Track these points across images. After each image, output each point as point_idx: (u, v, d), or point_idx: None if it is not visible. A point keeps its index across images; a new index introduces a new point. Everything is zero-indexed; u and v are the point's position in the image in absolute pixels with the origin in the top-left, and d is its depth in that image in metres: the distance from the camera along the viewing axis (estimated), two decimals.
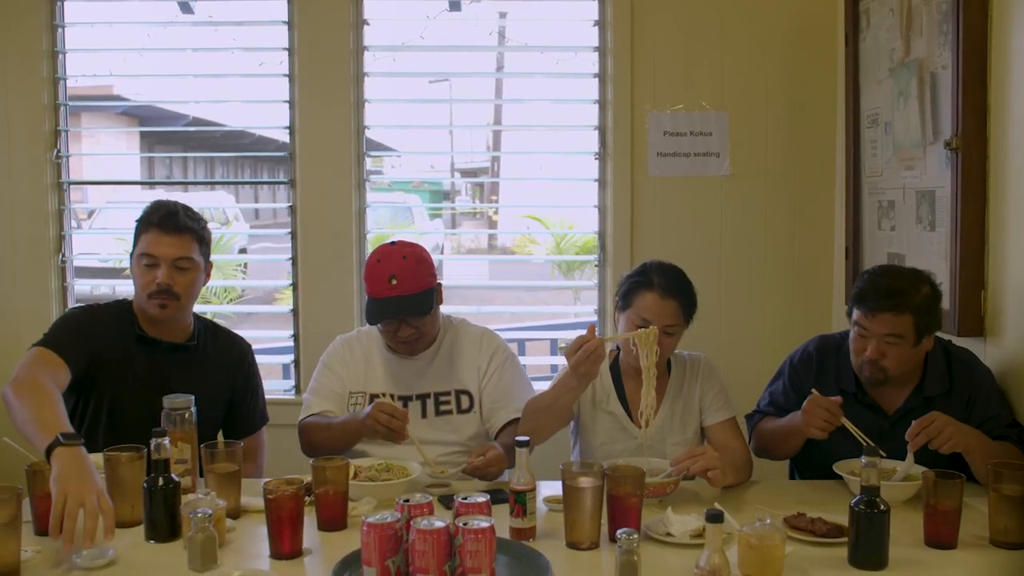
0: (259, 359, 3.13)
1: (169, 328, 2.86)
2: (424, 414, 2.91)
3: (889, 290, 2.57)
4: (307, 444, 2.87)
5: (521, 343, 5.78)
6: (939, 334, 2.79)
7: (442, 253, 7.75)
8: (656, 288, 2.70)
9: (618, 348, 2.89)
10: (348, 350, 3.00)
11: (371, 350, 2.98)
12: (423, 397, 2.93)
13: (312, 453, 2.83)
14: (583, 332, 2.52)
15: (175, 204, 2.83)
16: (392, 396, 2.88)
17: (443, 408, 2.93)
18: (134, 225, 2.83)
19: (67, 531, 1.99)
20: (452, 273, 11.44)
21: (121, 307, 2.89)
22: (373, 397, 2.88)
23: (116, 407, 2.75)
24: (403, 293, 2.77)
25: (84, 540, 2.01)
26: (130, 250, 2.85)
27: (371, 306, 2.82)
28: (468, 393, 2.94)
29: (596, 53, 4.02)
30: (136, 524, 2.28)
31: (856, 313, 2.64)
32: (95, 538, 2.03)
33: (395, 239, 2.96)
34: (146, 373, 2.81)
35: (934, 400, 2.66)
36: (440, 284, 2.91)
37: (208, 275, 2.91)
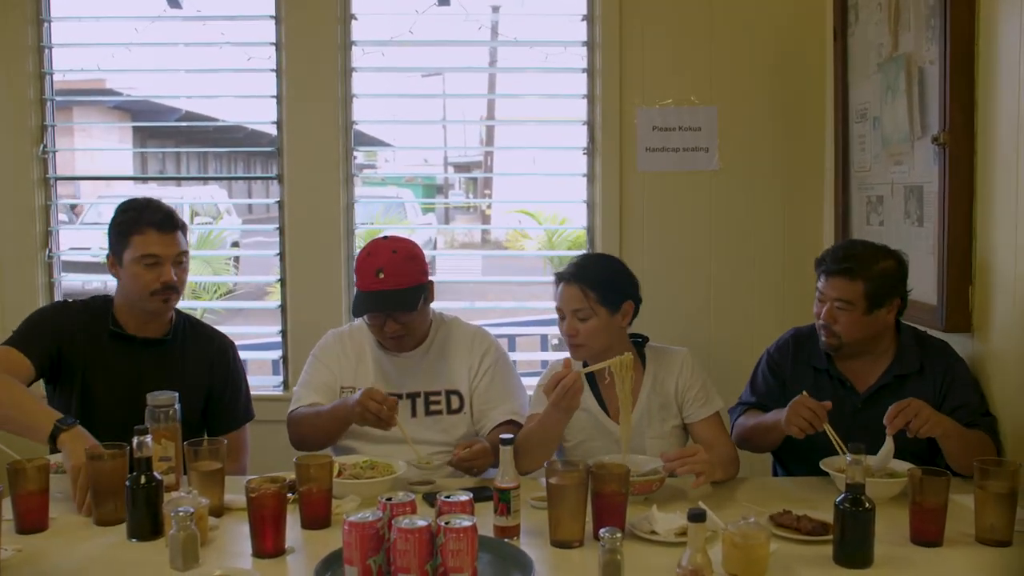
0: (247, 355, 3.14)
1: (151, 323, 2.89)
2: (414, 413, 2.90)
3: (845, 256, 2.68)
4: (296, 435, 2.87)
5: (512, 338, 5.79)
6: (916, 326, 2.84)
7: (435, 248, 7.77)
8: (564, 277, 2.78)
9: None
10: (339, 345, 2.99)
11: (363, 346, 2.96)
12: (413, 396, 2.91)
13: (300, 445, 2.84)
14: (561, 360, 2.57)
15: (161, 203, 2.87)
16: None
17: (433, 408, 2.91)
18: (115, 226, 2.84)
19: (79, 504, 2.36)
20: (444, 267, 11.45)
21: (96, 303, 2.93)
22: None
23: (88, 401, 2.78)
24: (389, 288, 2.76)
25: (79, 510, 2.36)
26: (109, 250, 2.86)
27: (358, 299, 2.81)
28: (458, 393, 2.93)
29: (585, 48, 4.01)
30: (119, 522, 2.27)
31: (818, 277, 2.74)
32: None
33: (389, 234, 2.94)
34: (120, 368, 2.84)
35: (907, 379, 2.71)
36: (431, 282, 2.89)
37: None
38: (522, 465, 2.58)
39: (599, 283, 2.75)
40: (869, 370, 2.77)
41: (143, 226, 2.79)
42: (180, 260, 2.84)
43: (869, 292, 2.63)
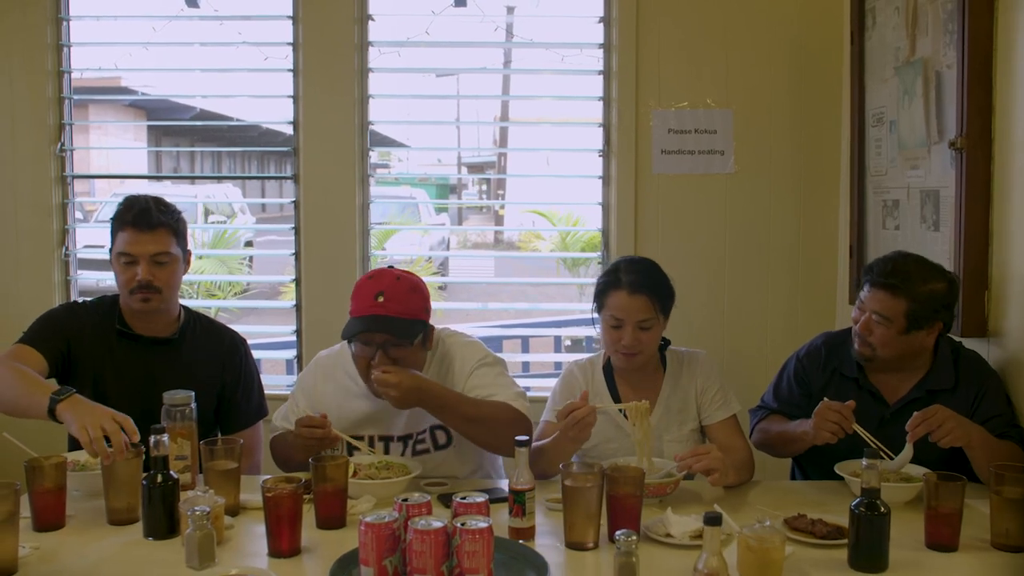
0: (262, 354, 3.13)
1: (154, 322, 2.88)
2: (403, 454, 2.76)
3: (894, 270, 2.59)
4: (280, 462, 2.79)
5: (525, 340, 5.78)
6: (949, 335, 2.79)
7: (448, 248, 7.77)
8: (624, 286, 2.71)
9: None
10: (324, 381, 2.83)
11: (348, 384, 2.78)
12: (405, 439, 2.77)
13: (285, 466, 2.75)
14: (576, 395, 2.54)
15: (147, 200, 2.82)
16: (372, 438, 2.76)
17: (420, 448, 2.76)
18: (111, 223, 2.85)
19: (101, 452, 2.24)
20: (457, 268, 11.47)
21: (103, 303, 2.93)
22: (354, 439, 2.71)
23: (100, 400, 2.76)
24: (388, 313, 2.56)
25: (118, 454, 2.25)
26: (108, 246, 2.86)
27: (350, 324, 2.61)
28: (444, 428, 2.75)
29: (601, 50, 4.01)
30: (132, 521, 2.28)
31: (862, 285, 2.67)
32: (126, 448, 2.26)
33: (394, 266, 2.80)
34: (129, 368, 2.84)
35: (938, 395, 2.65)
36: (432, 326, 2.70)
37: (188, 264, 2.93)
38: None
39: (662, 291, 2.74)
40: (900, 383, 2.72)
41: (123, 224, 2.79)
42: (161, 260, 2.78)
43: (910, 312, 2.56)
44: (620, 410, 2.70)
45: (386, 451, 2.76)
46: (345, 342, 2.71)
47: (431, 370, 2.77)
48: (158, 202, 2.84)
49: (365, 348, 2.61)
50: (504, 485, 2.55)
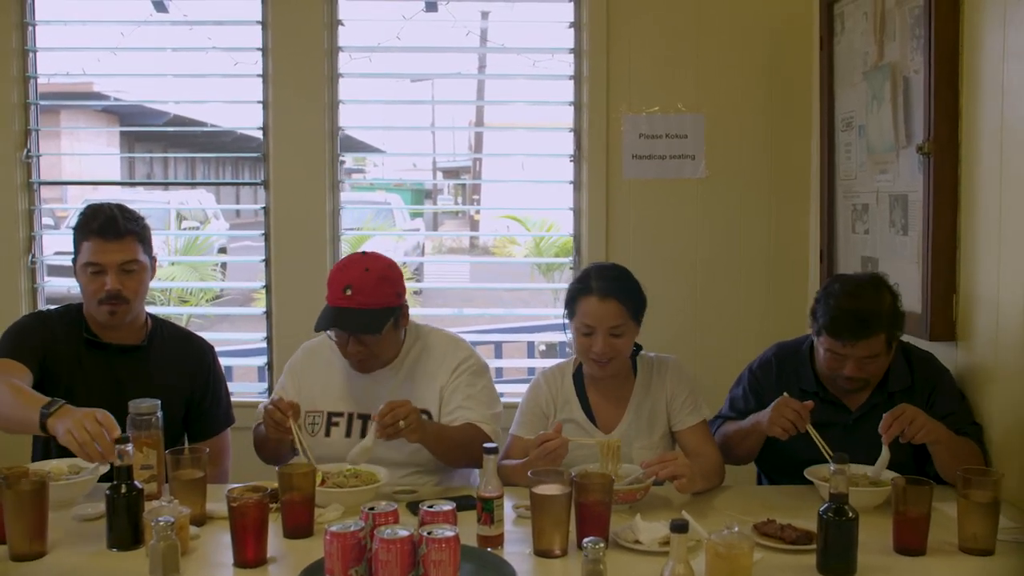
0: (233, 361, 3.11)
1: (122, 330, 2.85)
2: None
3: (859, 317, 2.56)
4: (256, 448, 2.82)
5: (499, 345, 5.77)
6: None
7: (423, 254, 7.76)
8: (595, 292, 2.70)
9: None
10: (308, 360, 2.91)
11: (333, 361, 2.84)
12: None
13: (261, 457, 2.80)
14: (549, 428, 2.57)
15: (111, 208, 2.79)
16: (351, 415, 2.80)
17: None
18: (73, 232, 2.81)
19: (94, 455, 2.28)
20: (432, 273, 11.45)
21: (70, 312, 2.90)
22: (331, 416, 2.79)
23: None
24: (354, 306, 2.64)
25: (108, 455, 2.26)
26: (72, 256, 2.83)
27: (323, 313, 2.70)
28: (428, 413, 2.77)
29: (572, 55, 4.01)
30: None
31: (827, 339, 2.61)
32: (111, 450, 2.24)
33: (367, 250, 2.86)
34: (98, 376, 2.82)
35: (896, 396, 2.68)
36: (405, 305, 2.78)
37: (154, 271, 2.91)
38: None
39: (633, 297, 2.72)
40: (860, 389, 2.72)
41: (88, 233, 2.75)
42: (129, 268, 2.76)
43: (889, 336, 2.59)
44: (595, 436, 2.70)
45: (364, 430, 2.76)
46: None
47: (407, 367, 2.82)
48: (123, 210, 2.81)
49: (340, 335, 2.71)
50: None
